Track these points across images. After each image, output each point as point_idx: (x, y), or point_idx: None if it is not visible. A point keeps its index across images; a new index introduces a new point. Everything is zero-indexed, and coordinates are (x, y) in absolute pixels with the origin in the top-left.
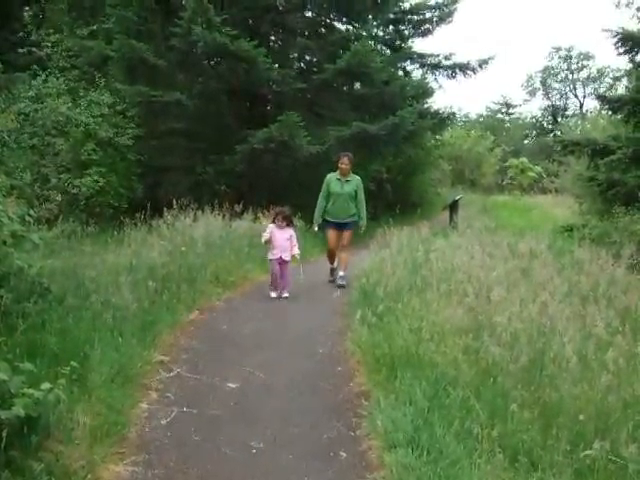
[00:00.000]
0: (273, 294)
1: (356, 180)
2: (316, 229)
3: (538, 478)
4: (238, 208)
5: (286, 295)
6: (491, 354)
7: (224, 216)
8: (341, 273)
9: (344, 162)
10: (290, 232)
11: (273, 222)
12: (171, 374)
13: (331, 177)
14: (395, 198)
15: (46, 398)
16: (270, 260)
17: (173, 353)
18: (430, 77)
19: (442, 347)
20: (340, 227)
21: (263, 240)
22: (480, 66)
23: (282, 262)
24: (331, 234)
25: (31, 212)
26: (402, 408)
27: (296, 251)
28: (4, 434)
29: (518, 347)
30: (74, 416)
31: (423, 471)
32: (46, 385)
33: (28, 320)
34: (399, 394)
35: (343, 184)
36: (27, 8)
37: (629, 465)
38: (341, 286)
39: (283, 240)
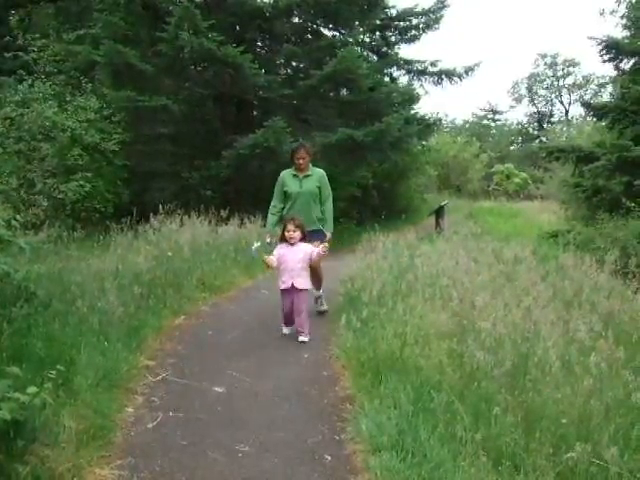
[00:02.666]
0: (285, 330)
1: (318, 174)
2: (267, 240)
3: None
4: (224, 213)
5: (304, 339)
6: (475, 358)
7: (210, 221)
8: (319, 292)
9: (300, 155)
10: (304, 249)
11: (282, 239)
12: (157, 378)
13: (285, 173)
14: (381, 204)
15: (32, 402)
16: (281, 292)
17: (159, 358)
18: (416, 83)
19: (426, 351)
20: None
21: (270, 263)
22: (466, 72)
23: (295, 292)
24: None
25: (17, 217)
26: (387, 412)
27: (319, 250)
28: None
29: (502, 352)
30: (60, 420)
31: (407, 474)
32: (32, 389)
33: (14, 325)
34: (384, 398)
35: (302, 181)
36: (13, 12)
37: (610, 467)
38: (322, 312)
39: (295, 262)
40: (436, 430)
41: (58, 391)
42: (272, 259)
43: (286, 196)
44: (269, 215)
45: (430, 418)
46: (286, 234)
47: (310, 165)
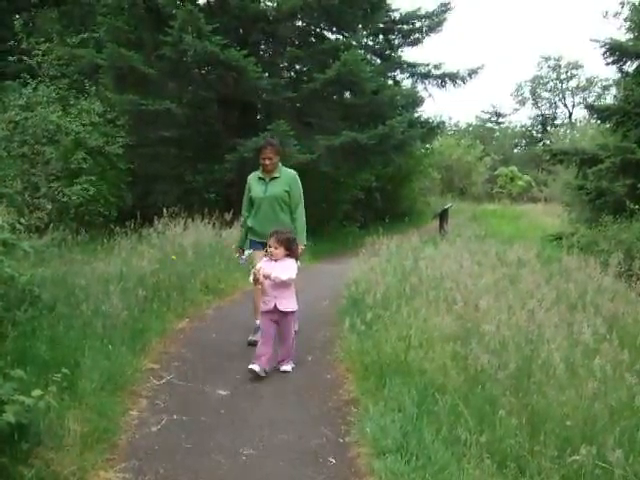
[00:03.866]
0: (254, 366)
1: (288, 177)
2: (240, 256)
3: None
4: (228, 217)
5: (287, 369)
6: (479, 361)
7: (214, 225)
8: (257, 322)
9: (266, 154)
10: (290, 265)
11: (267, 254)
12: (161, 382)
13: (252, 177)
14: (384, 207)
15: (37, 405)
16: (262, 314)
17: (163, 361)
18: (420, 86)
19: (430, 354)
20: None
21: (251, 279)
22: (470, 75)
23: (279, 315)
24: (257, 256)
25: (21, 220)
26: (391, 415)
27: (287, 273)
28: None
29: (506, 354)
30: (64, 423)
31: (412, 477)
32: (37, 392)
33: (18, 328)
34: (388, 401)
35: (267, 184)
36: (17, 16)
37: (615, 470)
38: (252, 343)
39: (279, 280)
40: (440, 433)
41: (62, 394)
42: (261, 271)
43: (252, 202)
44: (240, 228)
45: (434, 421)
46: (268, 250)
47: (279, 166)
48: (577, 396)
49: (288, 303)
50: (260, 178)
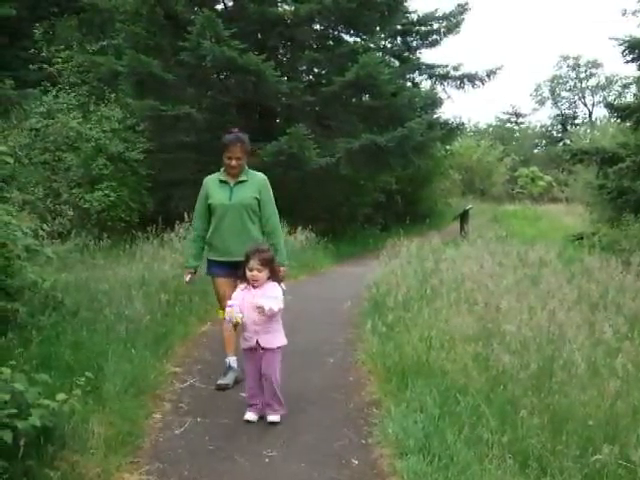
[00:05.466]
0: (250, 415)
1: (257, 181)
2: (187, 279)
3: None
4: None
5: (274, 419)
6: (501, 361)
7: None
8: (232, 357)
9: (233, 152)
10: (273, 292)
11: (244, 280)
12: (184, 385)
13: (210, 180)
14: (405, 209)
15: (61, 409)
16: (243, 352)
17: (186, 364)
18: (439, 88)
19: (452, 355)
20: (235, 271)
21: (229, 320)
22: (488, 76)
23: (261, 352)
24: (222, 285)
25: (44, 226)
26: (413, 416)
27: (277, 302)
28: (21, 444)
29: (527, 354)
30: (89, 426)
31: (434, 477)
32: (61, 396)
33: (43, 333)
34: (410, 402)
35: (232, 189)
36: (37, 25)
37: (638, 469)
38: (222, 387)
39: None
40: (462, 433)
41: (87, 398)
42: (234, 311)
43: (210, 211)
44: (189, 243)
45: (456, 421)
46: (248, 274)
47: (246, 168)
48: (599, 395)
49: (274, 338)
50: (222, 182)
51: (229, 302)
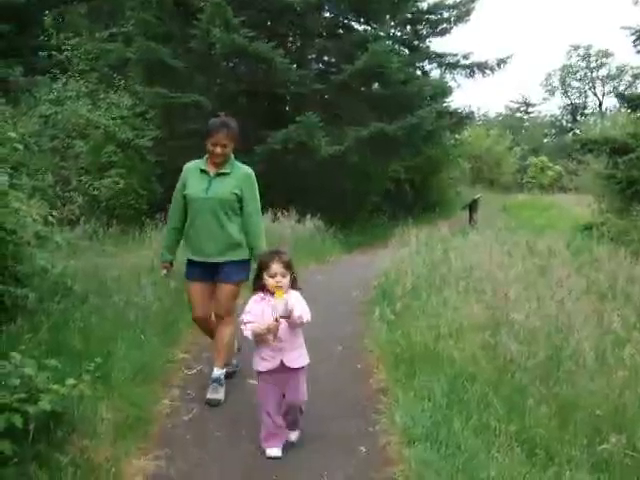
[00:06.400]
0: (274, 450)
1: (241, 174)
2: (164, 273)
3: (555, 472)
4: None
5: (293, 438)
6: (509, 350)
7: None
8: (216, 371)
9: (219, 139)
10: (298, 299)
11: (258, 289)
12: (193, 371)
13: (190, 167)
14: (414, 198)
15: (71, 394)
16: (260, 375)
17: (194, 351)
18: (448, 76)
19: (460, 344)
20: (211, 274)
21: (248, 333)
22: (498, 65)
23: (287, 374)
24: (194, 290)
25: (54, 213)
26: (421, 404)
27: (302, 315)
28: (31, 428)
29: (536, 343)
30: (98, 412)
31: (441, 465)
32: (71, 381)
33: (52, 319)
34: (418, 390)
35: (211, 181)
36: (47, 12)
37: None
38: (213, 402)
39: (284, 325)
40: (470, 421)
41: (96, 384)
42: (250, 328)
43: (186, 202)
44: (164, 234)
45: (464, 410)
46: (269, 281)
47: (232, 159)
48: (607, 385)
49: (300, 356)
50: (202, 171)
51: (245, 317)
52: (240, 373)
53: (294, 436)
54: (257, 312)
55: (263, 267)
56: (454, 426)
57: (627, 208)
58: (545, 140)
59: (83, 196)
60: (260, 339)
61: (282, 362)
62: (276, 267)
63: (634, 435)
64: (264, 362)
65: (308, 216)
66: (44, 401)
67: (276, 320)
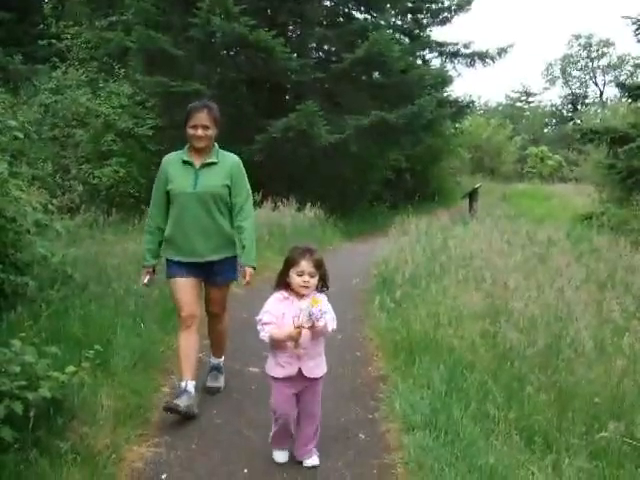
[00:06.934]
0: (279, 455)
1: (230, 164)
2: (145, 281)
3: (553, 459)
4: (257, 197)
5: (315, 462)
6: (508, 339)
7: None
8: (215, 359)
9: (200, 120)
10: (324, 303)
11: (281, 286)
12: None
13: (170, 159)
14: (414, 187)
15: (71, 381)
16: (275, 381)
17: None
18: (449, 65)
19: (460, 332)
20: (200, 272)
21: (265, 336)
22: (499, 54)
23: (305, 383)
24: (181, 288)
25: (53, 201)
26: (420, 391)
27: (327, 323)
28: (31, 415)
29: (535, 332)
30: (98, 399)
31: (440, 452)
32: (71, 368)
33: (52, 307)
34: (417, 378)
35: (198, 174)
36: (46, 1)
37: None
38: (212, 390)
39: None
40: (469, 409)
41: (95, 371)
42: (278, 331)
43: (170, 199)
44: (145, 236)
45: (463, 397)
46: (295, 279)
47: (217, 147)
48: (606, 374)
49: (320, 365)
50: (186, 162)
51: (263, 317)
52: (241, 360)
53: (313, 460)
54: (277, 313)
55: (291, 263)
56: (453, 414)
57: (627, 198)
58: (545, 130)
59: (83, 185)
60: (278, 344)
61: (300, 370)
62: (306, 265)
63: (632, 423)
64: (280, 368)
65: (308, 205)
66: (44, 388)
67: (299, 327)
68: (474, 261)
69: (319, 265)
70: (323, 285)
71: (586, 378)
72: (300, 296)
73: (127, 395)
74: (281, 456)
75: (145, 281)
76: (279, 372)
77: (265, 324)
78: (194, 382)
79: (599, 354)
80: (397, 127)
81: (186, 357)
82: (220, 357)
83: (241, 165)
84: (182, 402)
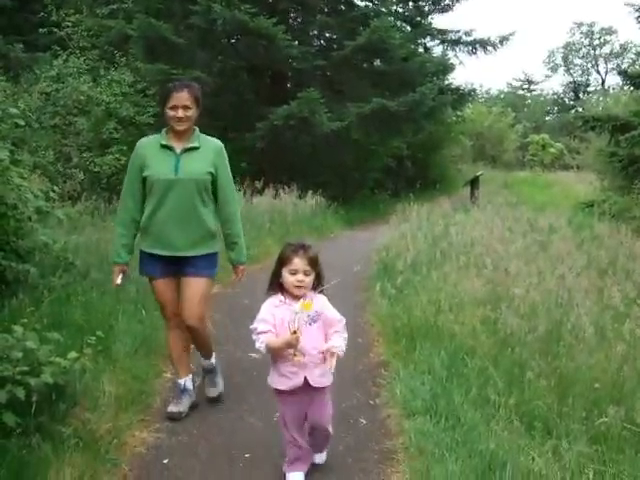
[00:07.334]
0: (296, 476)
1: (213, 150)
2: (118, 281)
3: (553, 444)
4: (259, 185)
5: (322, 459)
6: (509, 325)
7: (245, 192)
8: (206, 361)
9: (180, 100)
10: (323, 308)
11: (275, 289)
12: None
13: (145, 143)
14: (415, 174)
15: (73, 367)
16: (279, 395)
17: None
18: (450, 53)
19: (460, 318)
20: (176, 270)
21: (261, 346)
22: (501, 42)
23: (311, 394)
24: (159, 289)
25: (55, 189)
26: (421, 377)
27: (338, 347)
28: (34, 400)
29: (536, 318)
30: (100, 385)
31: (441, 437)
32: (73, 354)
33: (53, 294)
34: (418, 364)
35: (180, 159)
36: None
37: None
38: (216, 398)
39: (310, 336)
40: (469, 395)
41: (97, 357)
42: (274, 339)
43: (146, 187)
44: (116, 229)
45: (464, 383)
46: (288, 278)
47: (197, 131)
48: (606, 359)
49: (326, 373)
50: (164, 147)
51: (258, 326)
52: (242, 346)
53: (319, 459)
54: (274, 320)
55: (284, 261)
56: (454, 399)
57: (629, 186)
58: (547, 118)
59: (84, 172)
60: (278, 354)
61: (306, 380)
62: (299, 263)
63: (632, 408)
64: (284, 380)
65: (310, 192)
66: (46, 374)
67: (294, 332)
68: (475, 248)
69: (314, 262)
70: (319, 284)
71: (586, 364)
72: (295, 297)
73: (129, 381)
74: (297, 477)
75: (118, 281)
76: (284, 384)
77: (260, 333)
78: (191, 376)
79: (600, 340)
80: (398, 115)
81: (178, 358)
82: (210, 357)
83: (224, 151)
84: (182, 407)
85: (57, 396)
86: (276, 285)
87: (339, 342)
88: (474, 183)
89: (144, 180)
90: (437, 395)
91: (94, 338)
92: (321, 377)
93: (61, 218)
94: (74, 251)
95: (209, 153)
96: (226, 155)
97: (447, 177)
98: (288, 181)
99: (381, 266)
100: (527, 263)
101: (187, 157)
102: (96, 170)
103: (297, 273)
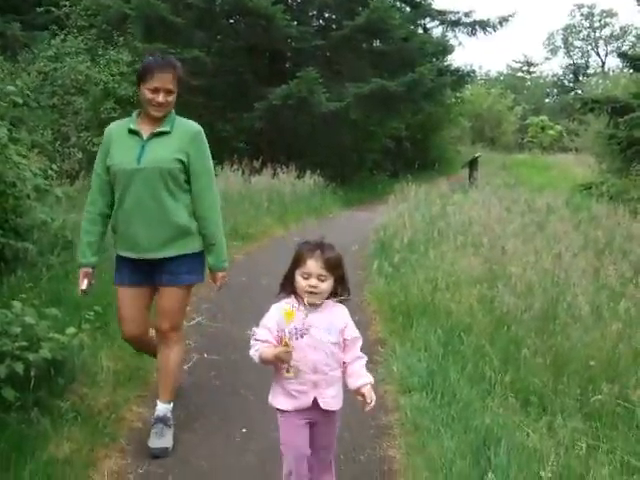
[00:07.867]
0: None
1: (187, 134)
2: (83, 287)
3: (548, 421)
4: (257, 164)
5: None
6: (505, 303)
7: (243, 172)
8: (160, 408)
9: (161, 80)
10: (339, 318)
11: (287, 289)
12: (192, 323)
13: (115, 129)
14: (414, 155)
15: (71, 343)
16: (281, 415)
17: (193, 303)
18: (450, 34)
19: (457, 296)
20: (148, 274)
21: (255, 355)
22: (500, 23)
23: (319, 417)
24: (121, 300)
25: (53, 166)
26: (417, 354)
27: (369, 382)
28: (32, 375)
29: (532, 297)
30: (98, 360)
31: (437, 413)
32: (71, 330)
33: (52, 271)
34: (414, 341)
35: (145, 146)
36: None
37: (636, 409)
38: (157, 452)
39: (322, 350)
40: (465, 371)
41: (95, 333)
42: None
43: (109, 176)
44: (82, 226)
45: (460, 360)
46: (300, 282)
47: (173, 113)
48: (601, 338)
49: (337, 394)
50: (132, 132)
51: (258, 333)
52: (239, 324)
53: None
54: (274, 326)
55: (297, 262)
56: (450, 376)
57: (627, 168)
58: (546, 100)
59: (82, 152)
60: (278, 368)
61: (315, 401)
62: (313, 265)
63: (626, 385)
64: (292, 400)
65: (308, 172)
66: (45, 349)
67: (286, 344)
68: (473, 227)
69: (333, 266)
70: (343, 290)
71: (582, 342)
72: (310, 305)
73: (126, 357)
74: None
75: (83, 286)
76: (288, 404)
77: (259, 341)
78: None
79: (595, 319)
80: (397, 95)
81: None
82: (167, 402)
83: (202, 135)
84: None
85: (56, 371)
86: (288, 288)
87: (368, 376)
88: (473, 164)
89: (108, 171)
90: (433, 372)
91: (92, 314)
92: (332, 399)
93: (59, 196)
94: (72, 229)
95: (181, 138)
96: (205, 141)
97: (446, 158)
98: (286, 161)
99: (379, 245)
100: (524, 242)
101: (153, 143)
102: (94, 149)
103: (310, 277)
